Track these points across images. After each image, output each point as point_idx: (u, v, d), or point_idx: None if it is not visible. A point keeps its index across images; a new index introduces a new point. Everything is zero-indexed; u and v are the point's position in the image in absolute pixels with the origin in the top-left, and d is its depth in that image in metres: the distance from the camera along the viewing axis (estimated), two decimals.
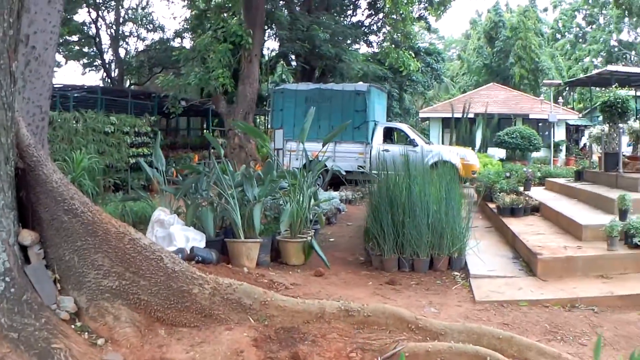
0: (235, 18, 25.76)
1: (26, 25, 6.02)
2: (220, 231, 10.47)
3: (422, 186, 10.70)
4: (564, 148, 41.86)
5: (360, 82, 29.69)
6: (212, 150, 31.60)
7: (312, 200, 11.66)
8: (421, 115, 49.90)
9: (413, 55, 35.59)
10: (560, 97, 59.07)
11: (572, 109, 55.09)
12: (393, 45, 32.82)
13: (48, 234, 5.67)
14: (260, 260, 9.82)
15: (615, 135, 15.85)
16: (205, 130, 44.72)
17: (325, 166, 11.90)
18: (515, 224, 12.90)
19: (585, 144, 47.11)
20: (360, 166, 24.75)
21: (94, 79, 47.86)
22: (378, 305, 6.25)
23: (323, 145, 11.63)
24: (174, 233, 9.22)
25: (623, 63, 65.69)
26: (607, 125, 16.62)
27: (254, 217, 9.88)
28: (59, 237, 5.65)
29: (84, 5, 40.81)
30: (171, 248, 8.47)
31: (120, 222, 6.01)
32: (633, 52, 74.97)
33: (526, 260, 10.36)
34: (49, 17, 7.96)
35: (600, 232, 10.14)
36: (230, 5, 32.44)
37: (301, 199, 10.86)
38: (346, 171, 19.62)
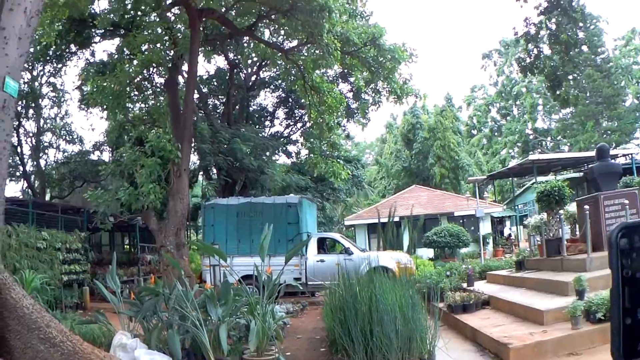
0: (155, 130, 25.36)
1: None
2: (183, 353, 9.79)
3: (384, 293, 10.43)
4: (490, 240, 42.33)
5: (291, 194, 29.72)
6: (141, 267, 30.87)
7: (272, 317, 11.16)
8: (346, 222, 50.09)
9: (342, 164, 35.66)
10: (485, 192, 60.31)
11: (494, 201, 56.21)
12: (316, 155, 32.78)
13: None
14: None
15: (554, 222, 16.34)
16: (127, 246, 43.98)
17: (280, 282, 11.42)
18: (471, 320, 13.21)
19: (510, 234, 47.97)
20: (297, 278, 24.37)
21: (13, 190, 47.14)
22: None
23: (286, 262, 11.14)
24: (139, 357, 8.56)
25: (539, 150, 67.90)
26: (546, 213, 17.24)
27: (220, 338, 9.58)
28: None
29: None
30: None
31: (104, 351, 5.37)
32: (549, 139, 77.25)
33: (494, 351, 10.62)
34: (2, 124, 7.38)
35: (562, 314, 10.87)
36: (149, 117, 32.20)
37: (266, 317, 10.34)
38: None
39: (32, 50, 33.79)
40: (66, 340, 5.06)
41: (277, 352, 10.42)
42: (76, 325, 11.94)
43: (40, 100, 44.81)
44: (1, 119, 7.34)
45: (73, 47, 34.43)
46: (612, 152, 29.08)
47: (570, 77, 24.48)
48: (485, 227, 42.24)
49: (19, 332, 5.02)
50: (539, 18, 21.52)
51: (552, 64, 21.78)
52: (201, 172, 42.30)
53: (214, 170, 39.97)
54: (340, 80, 40.45)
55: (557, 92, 22.41)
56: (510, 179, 56.07)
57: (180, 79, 29.85)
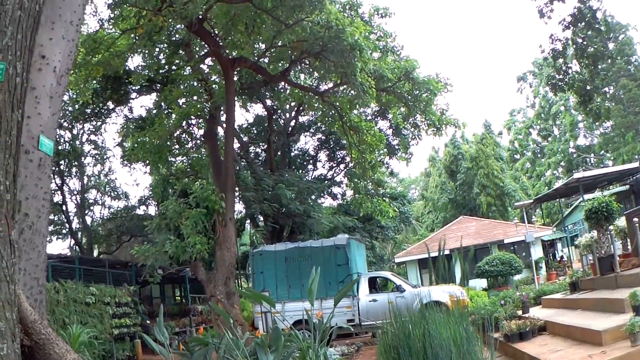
0: (198, 182, 25.51)
1: (17, 191, 5.47)
2: None
3: (438, 328, 10.19)
4: (543, 264, 41.77)
5: (340, 235, 29.40)
6: (192, 318, 30.87)
7: None
8: (397, 260, 49.82)
9: (388, 202, 35.55)
10: (533, 216, 59.81)
11: (543, 224, 55.60)
12: (361, 195, 32.70)
13: None
14: None
15: (604, 239, 15.88)
16: (178, 297, 44.10)
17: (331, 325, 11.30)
18: (528, 347, 12.81)
19: (562, 256, 47.28)
20: (350, 319, 24.22)
21: (61, 247, 47.73)
22: None
23: (335, 304, 11.01)
24: None
25: (584, 168, 66.97)
26: (595, 230, 16.77)
27: None
28: None
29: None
30: None
31: None
32: (592, 155, 76.41)
33: None
34: (39, 182, 7.45)
35: (620, 332, 10.32)
36: (192, 169, 32.43)
37: None
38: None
39: (70, 109, 34.40)
40: None
41: None
42: None
43: (82, 158, 45.50)
44: (38, 177, 7.42)
45: (111, 104, 35.03)
46: None
47: (601, 91, 24.21)
48: (537, 252, 41.73)
49: None
50: (564, 33, 21.39)
51: (581, 79, 21.57)
52: (248, 220, 42.45)
53: (261, 218, 40.02)
54: (379, 117, 40.51)
55: (589, 107, 22.14)
56: (557, 200, 55.48)
57: (220, 130, 30.03)
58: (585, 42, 20.88)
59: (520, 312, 17.69)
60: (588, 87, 21.36)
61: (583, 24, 20.65)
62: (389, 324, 11.50)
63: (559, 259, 47.92)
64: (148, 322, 27.78)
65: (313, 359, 10.12)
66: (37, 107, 7.52)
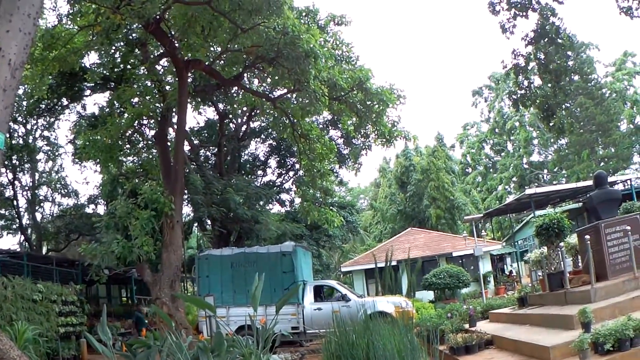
0: (148, 183, 25.37)
1: None
2: None
3: (382, 339, 10.20)
4: (491, 279, 42.18)
5: (286, 242, 29.39)
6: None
7: None
8: (343, 269, 49.97)
9: (335, 211, 35.59)
10: (483, 230, 60.22)
11: (493, 238, 56.12)
12: (309, 202, 32.67)
13: None
14: None
15: (555, 255, 16.19)
16: (124, 298, 43.83)
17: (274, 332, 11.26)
18: None
19: (511, 271, 47.75)
20: (294, 327, 24.25)
21: (11, 242, 47.02)
22: None
23: (277, 311, 10.99)
24: None
25: (536, 184, 67.80)
26: (546, 247, 17.07)
27: None
28: None
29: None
30: None
31: None
32: (545, 171, 77.26)
33: None
34: None
35: (569, 348, 10.56)
36: (142, 170, 32.22)
37: None
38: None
39: (24, 104, 34.01)
40: None
41: None
42: None
43: (35, 154, 45.11)
44: None
45: (65, 101, 34.85)
46: (610, 179, 29.01)
47: (563, 105, 24.45)
48: (485, 266, 42.15)
49: None
50: (526, 49, 21.57)
51: (543, 94, 21.74)
52: (195, 224, 42.31)
53: (209, 222, 39.91)
54: (330, 127, 40.61)
55: (551, 123, 22.34)
56: (508, 215, 56.00)
57: (171, 131, 29.87)
58: (547, 58, 21.08)
59: (467, 326, 17.84)
60: (550, 102, 21.55)
61: (546, 40, 20.86)
62: (332, 333, 11.51)
63: (507, 273, 48.36)
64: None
65: None
66: None
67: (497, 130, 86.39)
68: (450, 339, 15.28)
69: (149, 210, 22.17)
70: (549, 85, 21.64)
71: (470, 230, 44.06)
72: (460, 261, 42.78)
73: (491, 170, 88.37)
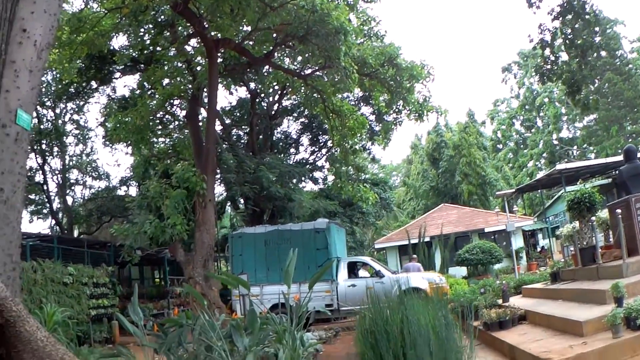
0: (180, 163, 25.41)
1: None
2: None
3: (417, 314, 10.12)
4: (523, 254, 41.84)
5: (320, 219, 29.14)
6: (170, 300, 30.73)
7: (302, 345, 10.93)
8: (377, 246, 49.77)
9: (368, 187, 35.52)
10: (514, 206, 59.84)
11: (525, 214, 55.71)
12: (342, 179, 32.58)
13: None
14: None
15: (586, 230, 16.03)
16: (157, 279, 43.93)
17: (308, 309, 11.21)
18: (508, 336, 12.81)
19: (543, 247, 47.42)
20: (328, 304, 24.15)
21: (41, 227, 47.00)
22: None
23: (310, 287, 10.93)
24: None
25: (566, 160, 67.10)
26: (577, 221, 16.96)
27: None
28: None
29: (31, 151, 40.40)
30: None
31: None
32: (575, 147, 76.57)
33: None
34: (15, 156, 7.34)
35: (601, 323, 10.39)
36: (173, 151, 32.29)
37: (295, 345, 10.11)
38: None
39: (53, 88, 34.10)
40: None
41: None
42: (99, 359, 11.79)
43: (64, 138, 45.08)
44: (15, 152, 7.31)
45: (94, 84, 34.71)
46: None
47: (589, 81, 24.12)
48: (518, 242, 41.80)
49: None
50: (553, 24, 21.28)
51: (569, 69, 21.45)
52: (228, 203, 42.30)
53: (241, 200, 39.94)
54: (362, 103, 40.42)
55: (577, 98, 22.05)
56: (539, 191, 55.58)
57: (202, 111, 29.90)
58: (573, 33, 20.80)
59: (500, 301, 17.68)
60: (576, 78, 21.26)
61: (572, 15, 20.57)
62: (367, 309, 11.47)
63: (539, 249, 48.05)
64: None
65: (289, 343, 10.08)
66: (16, 80, 7.41)
67: (526, 106, 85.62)
68: (484, 314, 15.13)
69: (181, 189, 22.23)
70: (575, 60, 21.35)
71: (502, 206, 43.86)
72: (492, 237, 42.50)
73: (522, 146, 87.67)
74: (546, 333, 12.02)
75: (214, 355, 9.52)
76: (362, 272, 27.51)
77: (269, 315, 11.57)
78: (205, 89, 27.33)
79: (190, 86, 28.14)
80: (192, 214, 22.96)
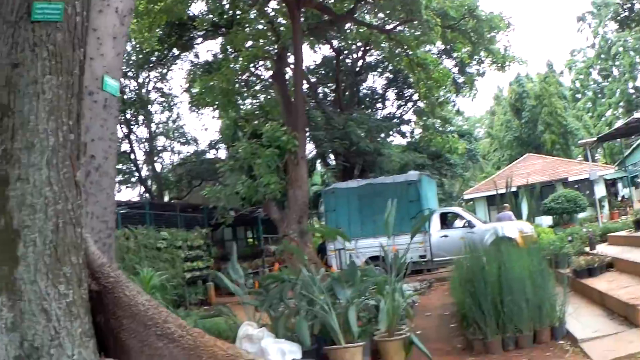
0: (269, 123, 25.58)
1: (82, 132, 5.50)
2: (312, 339, 9.65)
3: (512, 262, 10.28)
4: (606, 203, 41.16)
5: (411, 172, 29.02)
6: (265, 259, 31.00)
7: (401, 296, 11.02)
8: (465, 197, 49.67)
9: (457, 138, 35.31)
10: (596, 154, 58.85)
11: (606, 163, 54.84)
12: (431, 131, 32.46)
13: None
14: None
15: None
16: (250, 239, 44.29)
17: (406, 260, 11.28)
18: (597, 283, 12.66)
19: (623, 196, 46.54)
20: (422, 255, 24.12)
21: (130, 195, 47.61)
22: None
23: (411, 238, 11.01)
24: (266, 347, 8.43)
25: None
26: None
27: (349, 321, 9.25)
28: None
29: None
30: None
31: (227, 343, 5.35)
32: None
33: (623, 314, 9.96)
34: (105, 123, 7.41)
35: None
36: (261, 111, 32.52)
37: (395, 296, 10.21)
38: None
39: (134, 58, 34.42)
40: (186, 334, 5.04)
41: (408, 330, 10.14)
42: (200, 320, 11.94)
43: (149, 106, 45.59)
44: (104, 119, 7.39)
45: (176, 51, 35.07)
46: None
47: None
48: (600, 190, 41.19)
49: (135, 330, 5.04)
50: None
51: None
52: (318, 160, 42.48)
53: (331, 157, 40.22)
54: (444, 56, 40.08)
55: None
56: (618, 140, 54.47)
57: (288, 70, 30.01)
58: None
59: (587, 249, 17.52)
60: None
61: None
62: (463, 259, 11.52)
63: (620, 198, 47.24)
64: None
65: (390, 294, 10.17)
66: (100, 48, 7.42)
67: (602, 55, 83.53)
68: (574, 262, 14.91)
69: (272, 148, 22.40)
70: None
71: (585, 155, 43.14)
72: (575, 186, 41.90)
73: (599, 95, 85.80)
74: (634, 280, 11.87)
75: (316, 308, 9.66)
76: (454, 223, 27.38)
77: (369, 267, 11.68)
78: (289, 49, 27.43)
79: (274, 47, 28.25)
80: (283, 173, 23.16)
